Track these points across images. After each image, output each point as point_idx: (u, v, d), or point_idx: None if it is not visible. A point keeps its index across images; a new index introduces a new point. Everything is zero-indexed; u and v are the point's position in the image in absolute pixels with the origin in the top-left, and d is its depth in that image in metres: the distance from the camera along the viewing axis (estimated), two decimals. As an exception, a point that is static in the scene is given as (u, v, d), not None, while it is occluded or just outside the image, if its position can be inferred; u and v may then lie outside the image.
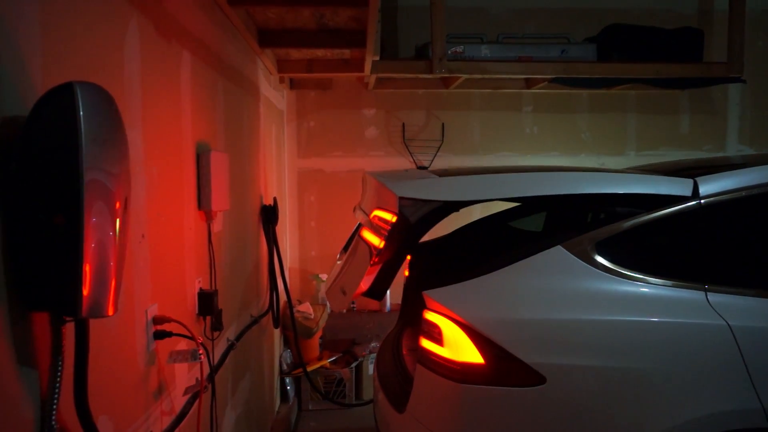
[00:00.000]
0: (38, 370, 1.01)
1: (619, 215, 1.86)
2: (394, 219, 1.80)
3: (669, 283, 1.74)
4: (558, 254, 1.77)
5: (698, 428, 1.63)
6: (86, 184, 0.93)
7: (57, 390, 1.01)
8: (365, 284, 2.00)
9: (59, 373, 1.02)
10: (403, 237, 1.83)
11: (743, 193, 1.84)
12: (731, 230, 1.91)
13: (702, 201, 1.81)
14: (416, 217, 1.80)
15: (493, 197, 1.84)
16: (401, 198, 1.76)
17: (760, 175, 1.87)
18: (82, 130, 0.92)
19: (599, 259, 1.75)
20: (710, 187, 1.83)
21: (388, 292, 4.36)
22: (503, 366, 1.66)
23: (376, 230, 1.92)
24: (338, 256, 2.48)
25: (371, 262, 1.88)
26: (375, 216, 1.96)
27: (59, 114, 0.92)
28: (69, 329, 1.04)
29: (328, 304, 4.29)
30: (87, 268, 0.94)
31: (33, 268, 0.96)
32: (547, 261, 1.77)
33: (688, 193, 1.81)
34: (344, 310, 2.22)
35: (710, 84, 4.06)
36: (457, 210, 1.92)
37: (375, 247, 1.89)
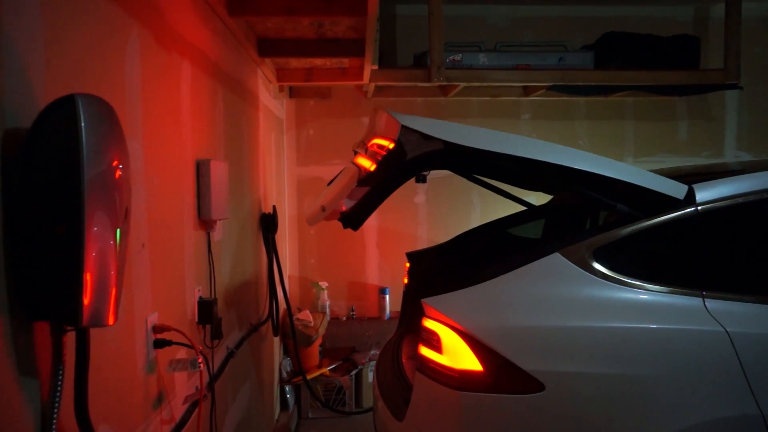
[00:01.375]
0: (39, 380, 1.02)
1: (612, 209, 1.85)
2: (392, 146, 1.76)
3: (667, 289, 1.75)
4: (556, 261, 1.77)
5: (698, 435, 1.63)
6: (87, 195, 0.94)
7: (57, 399, 1.02)
8: (345, 207, 1.96)
9: (60, 383, 1.02)
10: (395, 166, 1.77)
11: (740, 200, 1.85)
12: (728, 237, 1.91)
13: (699, 208, 1.82)
14: (413, 153, 1.74)
15: (491, 149, 1.76)
16: (404, 127, 1.71)
17: (756, 182, 1.88)
18: (84, 141, 0.93)
19: (597, 266, 1.76)
20: (707, 193, 1.84)
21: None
22: (502, 373, 1.66)
23: (370, 155, 1.87)
24: (327, 185, 2.45)
25: (357, 183, 1.84)
26: (373, 144, 1.91)
27: (61, 126, 0.94)
28: (70, 338, 1.05)
29: (327, 311, 4.29)
30: (88, 278, 0.95)
31: (34, 278, 0.97)
32: (545, 268, 1.78)
33: (680, 196, 1.81)
34: (314, 223, 2.13)
35: (707, 91, 4.08)
36: (454, 160, 1.84)
37: (365, 170, 1.85)
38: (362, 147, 1.97)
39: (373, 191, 1.87)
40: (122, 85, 1.39)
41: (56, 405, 1.02)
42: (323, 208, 2.01)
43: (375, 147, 1.88)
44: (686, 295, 1.75)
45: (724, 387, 1.66)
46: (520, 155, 1.75)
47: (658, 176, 1.85)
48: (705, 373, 1.67)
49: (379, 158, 1.80)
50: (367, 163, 1.87)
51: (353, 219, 1.94)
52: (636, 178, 1.79)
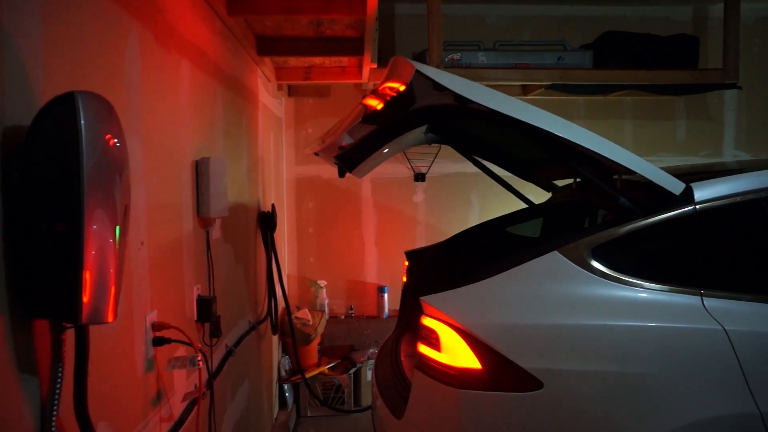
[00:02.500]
0: (38, 377, 1.02)
1: (614, 202, 1.85)
2: (402, 88, 1.72)
3: (665, 288, 1.75)
4: (554, 259, 1.78)
5: (695, 433, 1.64)
6: (87, 193, 0.94)
7: (57, 396, 1.02)
8: (345, 143, 1.94)
9: (59, 380, 1.03)
10: (401, 109, 1.71)
11: (738, 199, 1.85)
12: (726, 235, 1.92)
13: (697, 206, 1.82)
14: (422, 101, 1.67)
15: (500, 110, 1.70)
16: (418, 71, 1.65)
17: (754, 181, 1.89)
18: (83, 138, 0.93)
19: (595, 264, 1.77)
20: (705, 192, 1.85)
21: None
22: (500, 371, 1.66)
23: (380, 96, 1.84)
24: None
25: (362, 119, 1.83)
26: (385, 87, 1.86)
27: (61, 123, 0.94)
28: (69, 336, 1.05)
29: (326, 310, 4.29)
30: (87, 275, 0.95)
31: (34, 275, 0.97)
32: (543, 266, 1.78)
33: (677, 191, 1.81)
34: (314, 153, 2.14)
35: (706, 90, 4.08)
36: (459, 123, 1.73)
37: (371, 108, 1.82)
38: (373, 90, 1.94)
39: (374, 133, 1.83)
40: (121, 82, 1.39)
41: (56, 402, 1.02)
42: (323, 140, 1.99)
43: (386, 89, 1.83)
44: (685, 293, 1.75)
45: (722, 385, 1.66)
46: (533, 124, 1.69)
47: (658, 169, 1.84)
48: (703, 371, 1.67)
49: (388, 98, 1.77)
50: (374, 102, 1.84)
51: (350, 158, 1.92)
52: (636, 166, 1.77)
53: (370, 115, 1.81)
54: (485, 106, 1.68)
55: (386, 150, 2.53)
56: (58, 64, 1.11)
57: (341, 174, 2.49)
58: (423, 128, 2.67)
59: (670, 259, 1.90)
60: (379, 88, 1.87)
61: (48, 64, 1.07)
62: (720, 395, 1.66)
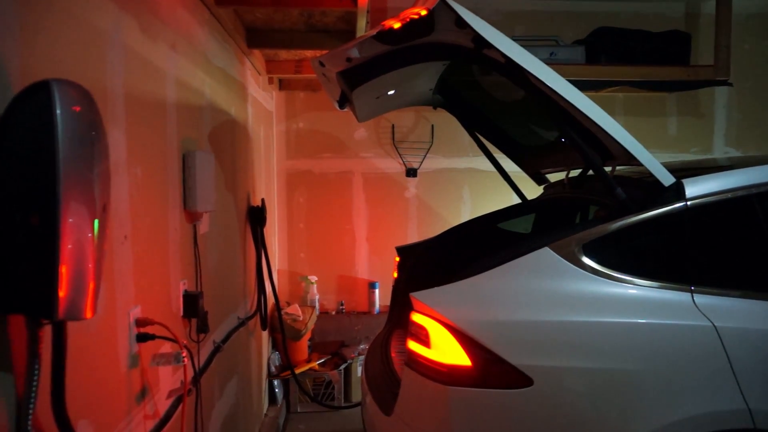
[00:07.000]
0: (14, 374, 0.99)
1: (611, 191, 1.84)
2: (423, 13, 1.67)
3: (655, 284, 1.75)
4: (545, 256, 1.76)
5: (685, 429, 1.63)
6: (63, 184, 0.91)
7: (33, 394, 0.99)
8: (352, 55, 1.91)
9: (36, 377, 0.99)
10: (417, 34, 1.68)
11: (729, 195, 1.85)
12: (717, 232, 1.92)
13: (688, 203, 1.81)
14: (440, 35, 1.63)
15: (510, 55, 1.68)
16: (443, 0, 1.62)
17: (744, 177, 1.88)
18: (59, 128, 0.90)
19: (586, 260, 1.76)
20: (696, 188, 1.84)
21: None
22: (490, 368, 1.65)
23: (400, 19, 1.80)
24: None
25: (376, 33, 1.80)
26: (408, 12, 1.80)
27: (35, 112, 0.91)
28: (46, 332, 1.02)
29: (316, 306, 4.27)
30: (63, 270, 0.92)
31: (8, 269, 0.93)
32: (534, 263, 1.77)
33: (666, 183, 1.81)
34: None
35: (697, 87, 4.09)
36: (470, 76, 1.72)
37: (388, 25, 1.77)
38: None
39: (385, 55, 1.80)
40: (104, 71, 1.35)
41: (32, 400, 0.99)
42: (322, 64, 1.98)
43: (410, 14, 1.78)
44: (675, 290, 1.75)
45: (712, 381, 1.66)
46: (546, 82, 1.66)
47: (654, 158, 1.83)
48: (693, 368, 1.67)
49: (407, 19, 1.73)
50: (392, 22, 1.80)
51: (353, 74, 1.90)
52: (635, 150, 1.76)
53: (386, 33, 1.77)
54: (502, 53, 1.63)
55: (391, 92, 2.45)
56: (36, 51, 1.07)
57: (341, 105, 2.41)
58: (431, 87, 2.63)
59: (660, 255, 1.89)
60: (401, 13, 1.81)
61: (25, 51, 1.03)
62: (710, 391, 1.66)
